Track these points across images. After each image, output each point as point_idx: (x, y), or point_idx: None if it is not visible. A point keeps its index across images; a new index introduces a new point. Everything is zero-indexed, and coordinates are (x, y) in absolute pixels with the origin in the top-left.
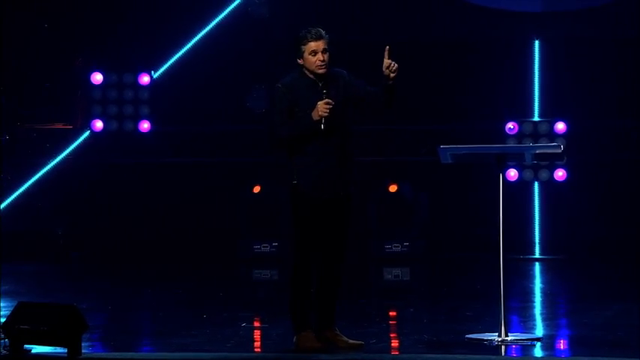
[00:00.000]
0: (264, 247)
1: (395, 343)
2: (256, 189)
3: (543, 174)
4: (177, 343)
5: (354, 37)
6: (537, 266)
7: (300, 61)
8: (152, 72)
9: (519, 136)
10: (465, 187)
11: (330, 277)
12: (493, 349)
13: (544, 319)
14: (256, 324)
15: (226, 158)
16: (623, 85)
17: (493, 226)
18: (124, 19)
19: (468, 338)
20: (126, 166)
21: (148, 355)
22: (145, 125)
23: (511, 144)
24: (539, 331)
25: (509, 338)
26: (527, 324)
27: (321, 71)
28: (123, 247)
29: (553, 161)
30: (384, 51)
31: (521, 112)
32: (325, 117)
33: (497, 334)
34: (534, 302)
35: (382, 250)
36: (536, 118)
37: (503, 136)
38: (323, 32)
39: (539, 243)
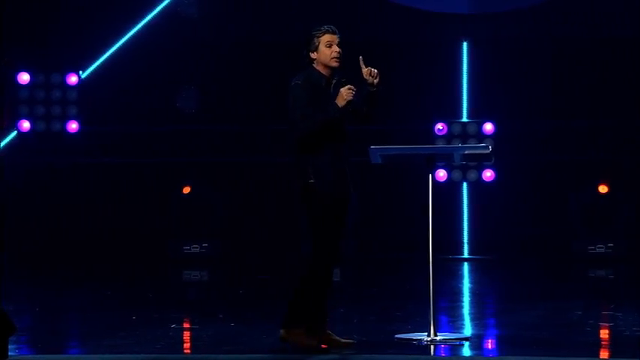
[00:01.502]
0: (194, 247)
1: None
2: (186, 190)
3: (472, 174)
4: (107, 345)
5: (283, 38)
6: (466, 266)
7: (313, 55)
8: (80, 72)
9: (448, 137)
10: (394, 188)
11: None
12: (422, 348)
13: (473, 319)
14: (186, 325)
15: (156, 159)
16: (550, 86)
17: (422, 226)
18: (52, 19)
19: (397, 338)
20: (54, 166)
21: (77, 357)
22: (73, 125)
23: (440, 145)
24: (468, 330)
25: (438, 338)
26: (456, 324)
27: (335, 64)
28: (51, 248)
29: (481, 162)
30: (359, 61)
31: (450, 113)
32: (351, 101)
33: (426, 333)
34: (463, 302)
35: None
36: (464, 119)
37: (432, 137)
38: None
39: (468, 243)
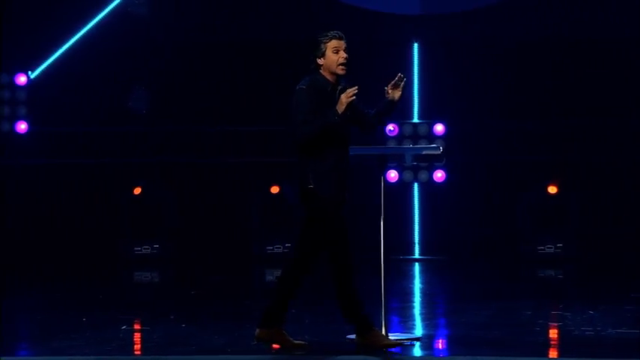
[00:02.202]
0: (145, 248)
1: (276, 345)
2: (137, 190)
3: (423, 175)
4: (57, 347)
5: (234, 37)
6: (417, 266)
7: (320, 61)
8: (29, 72)
9: (399, 138)
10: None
11: (347, 282)
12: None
13: (423, 319)
14: (137, 326)
15: (106, 159)
16: (501, 87)
17: (374, 227)
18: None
19: (348, 339)
20: (3, 167)
21: (27, 359)
22: (22, 126)
23: (391, 145)
24: (419, 330)
25: (389, 338)
26: (407, 324)
27: (341, 72)
28: None
29: (432, 162)
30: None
31: (401, 114)
32: (350, 105)
33: None
34: (414, 302)
35: (264, 251)
36: (415, 120)
37: (384, 138)
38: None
39: (419, 243)
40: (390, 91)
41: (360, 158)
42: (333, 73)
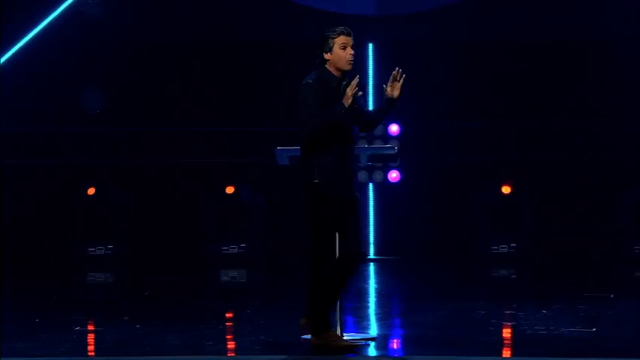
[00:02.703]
0: (99, 249)
1: (231, 345)
2: (91, 191)
3: (377, 175)
4: (10, 348)
5: (187, 37)
6: (372, 267)
7: (327, 56)
8: None
9: (354, 138)
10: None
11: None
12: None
13: (378, 319)
14: (91, 327)
15: (60, 160)
16: (455, 87)
17: None
18: None
19: (304, 339)
20: None
21: None
22: None
23: None
24: (374, 330)
25: (344, 338)
26: (361, 324)
27: (349, 67)
28: None
29: (387, 163)
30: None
31: None
32: (356, 93)
33: None
34: (369, 302)
35: (219, 251)
36: None
37: None
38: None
39: (374, 243)
40: (388, 89)
41: None
42: (338, 69)
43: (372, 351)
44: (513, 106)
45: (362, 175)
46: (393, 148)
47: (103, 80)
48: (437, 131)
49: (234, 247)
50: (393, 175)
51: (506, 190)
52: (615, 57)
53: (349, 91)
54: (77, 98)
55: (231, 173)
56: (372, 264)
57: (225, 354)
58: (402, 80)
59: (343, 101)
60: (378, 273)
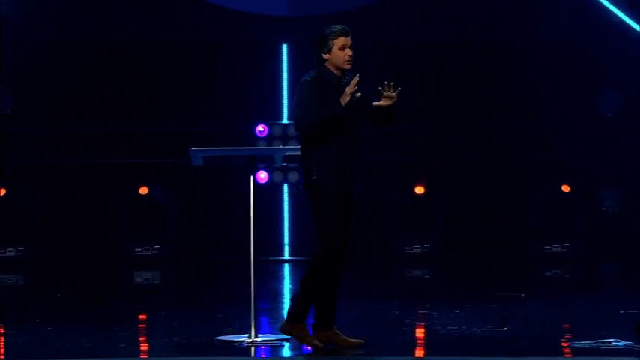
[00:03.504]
0: (9, 251)
1: (145, 347)
2: (1, 192)
3: (292, 176)
4: None
5: (97, 37)
6: (286, 267)
7: (326, 56)
8: None
9: (269, 139)
10: (216, 189)
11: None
12: (243, 350)
13: None
14: (1, 330)
15: None
16: (370, 88)
17: (244, 227)
18: None
19: (218, 340)
20: None
21: None
22: None
23: (261, 146)
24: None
25: (259, 339)
26: (276, 324)
27: (348, 67)
28: None
29: None
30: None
31: (271, 115)
32: (354, 93)
33: (247, 335)
34: (283, 303)
35: (132, 252)
36: (285, 121)
37: (254, 139)
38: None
39: (289, 244)
40: (382, 101)
41: (229, 159)
42: (338, 68)
43: (286, 351)
44: (427, 106)
45: (276, 176)
46: None
47: (13, 80)
48: None
49: (148, 248)
50: None
51: (419, 190)
52: (531, 59)
53: (348, 90)
54: None
55: (145, 174)
56: (286, 265)
57: (138, 355)
58: (392, 92)
59: (341, 99)
60: (292, 274)
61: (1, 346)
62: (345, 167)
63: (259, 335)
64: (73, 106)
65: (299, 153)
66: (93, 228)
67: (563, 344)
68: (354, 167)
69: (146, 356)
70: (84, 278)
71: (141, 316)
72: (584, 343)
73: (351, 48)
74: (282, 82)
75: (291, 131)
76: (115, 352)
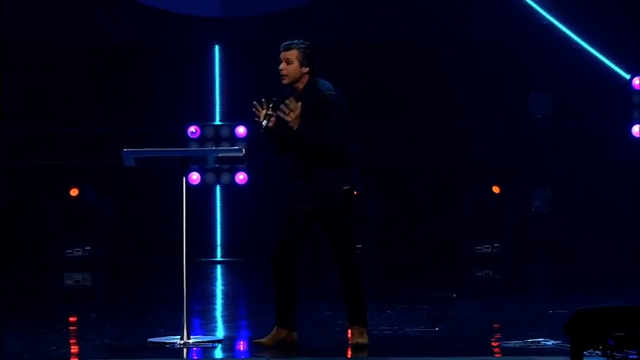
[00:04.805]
0: None
1: (75, 349)
2: None
3: (225, 177)
4: None
5: (30, 38)
6: (219, 268)
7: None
8: None
9: (201, 140)
10: (149, 191)
11: (343, 281)
12: (175, 352)
13: (225, 321)
14: None
15: None
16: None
17: (177, 229)
18: None
19: (150, 342)
20: None
21: None
22: None
23: (193, 147)
24: (220, 332)
25: (191, 341)
26: (208, 326)
27: (282, 81)
28: None
29: (234, 165)
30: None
31: (203, 116)
32: (269, 118)
33: (179, 337)
34: (216, 304)
35: (62, 254)
36: (217, 122)
37: (186, 140)
38: (290, 43)
39: (221, 245)
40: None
41: (162, 160)
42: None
43: (218, 353)
44: (359, 107)
45: (209, 177)
46: (241, 150)
47: None
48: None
49: (79, 250)
50: (241, 177)
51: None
52: (462, 60)
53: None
54: None
55: (76, 175)
56: (219, 266)
57: (69, 358)
58: (272, 114)
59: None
60: (224, 275)
61: None
62: (299, 186)
63: (191, 337)
64: (3, 107)
65: (233, 154)
66: (24, 230)
67: (494, 344)
68: (310, 186)
69: (76, 359)
70: (13, 280)
71: (71, 319)
72: (514, 343)
73: (288, 62)
74: (214, 83)
75: (224, 132)
76: (45, 355)
